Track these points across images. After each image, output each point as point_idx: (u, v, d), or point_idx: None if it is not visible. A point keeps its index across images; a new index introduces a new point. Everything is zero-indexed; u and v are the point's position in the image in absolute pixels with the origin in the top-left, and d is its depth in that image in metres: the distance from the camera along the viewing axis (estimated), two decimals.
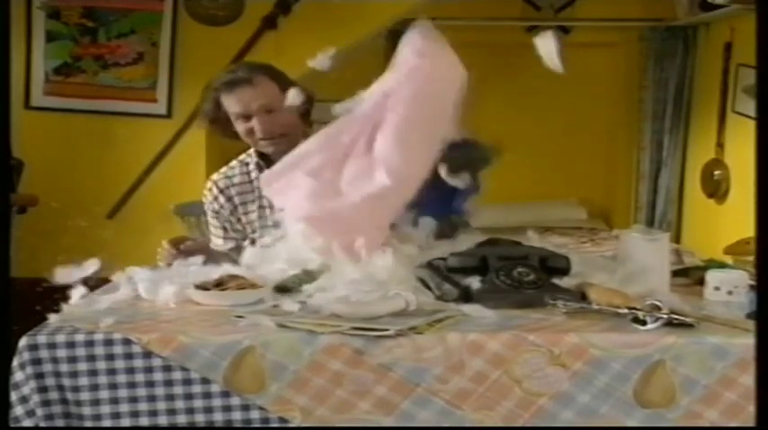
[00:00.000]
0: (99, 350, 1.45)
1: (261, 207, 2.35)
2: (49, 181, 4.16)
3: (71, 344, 1.44)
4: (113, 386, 1.44)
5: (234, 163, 2.46)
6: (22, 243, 3.58)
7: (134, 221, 4.29)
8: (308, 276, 1.73)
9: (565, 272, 1.75)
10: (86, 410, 1.45)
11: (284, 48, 4.24)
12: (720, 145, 4.30)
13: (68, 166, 4.25)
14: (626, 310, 1.53)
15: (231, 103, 2.29)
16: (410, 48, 1.89)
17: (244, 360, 1.44)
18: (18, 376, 1.45)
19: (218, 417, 1.45)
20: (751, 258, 2.08)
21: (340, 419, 1.45)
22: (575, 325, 1.52)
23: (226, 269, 1.80)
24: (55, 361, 1.44)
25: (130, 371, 1.45)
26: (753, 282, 1.68)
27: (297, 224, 1.86)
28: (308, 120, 2.37)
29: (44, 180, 4.13)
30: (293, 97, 2.11)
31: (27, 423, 1.44)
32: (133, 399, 1.45)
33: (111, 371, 1.44)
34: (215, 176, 2.45)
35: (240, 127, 2.31)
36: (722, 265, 1.99)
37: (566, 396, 1.45)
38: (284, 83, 2.31)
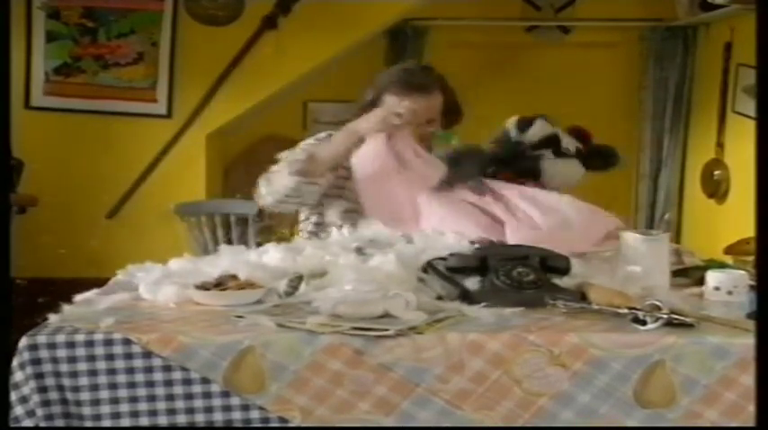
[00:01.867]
0: (99, 350, 1.44)
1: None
2: (49, 181, 4.17)
3: (71, 345, 1.44)
4: (113, 386, 1.44)
5: None
6: (22, 243, 3.59)
7: (134, 221, 4.29)
8: (309, 277, 1.73)
9: (565, 272, 1.75)
10: (86, 410, 1.44)
11: (284, 48, 4.24)
12: (720, 145, 4.30)
13: (68, 166, 4.26)
14: (626, 310, 1.53)
15: (395, 105, 2.24)
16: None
17: (244, 360, 1.44)
18: (18, 376, 1.45)
19: (218, 417, 1.45)
20: (751, 258, 2.08)
21: (340, 419, 1.45)
22: (575, 325, 1.52)
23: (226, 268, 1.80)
24: (55, 361, 1.44)
25: (130, 371, 1.44)
26: (753, 282, 1.68)
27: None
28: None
29: (44, 180, 4.14)
30: None
31: (27, 423, 1.44)
32: (133, 399, 1.45)
33: (111, 371, 1.44)
34: None
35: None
36: (722, 265, 1.99)
37: (566, 396, 1.45)
38: (449, 97, 2.33)
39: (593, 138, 2.32)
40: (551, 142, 2.23)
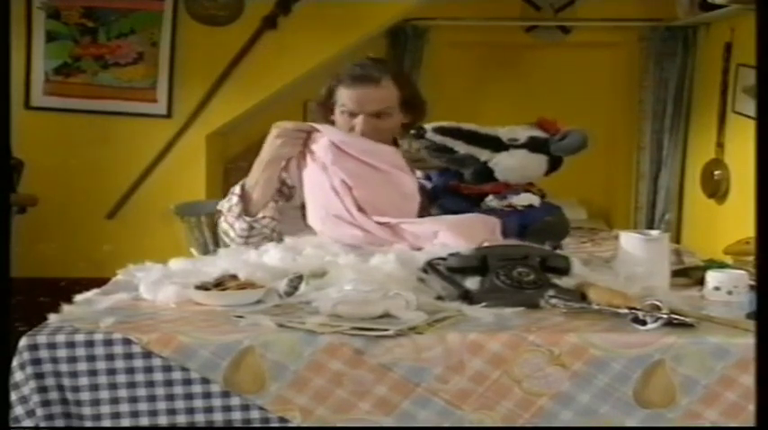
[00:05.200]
0: (99, 350, 1.45)
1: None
2: (49, 181, 4.17)
3: (71, 344, 1.44)
4: (113, 386, 1.44)
5: None
6: (22, 243, 3.59)
7: (134, 221, 4.29)
8: (309, 277, 1.73)
9: (565, 272, 1.75)
10: (86, 410, 1.45)
11: (284, 48, 4.24)
12: (720, 145, 4.30)
13: (68, 166, 4.26)
14: (626, 310, 1.53)
15: (345, 98, 2.23)
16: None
17: (244, 360, 1.44)
18: (18, 376, 1.45)
19: (218, 417, 1.45)
20: (751, 258, 2.08)
21: (340, 419, 1.45)
22: (575, 325, 1.52)
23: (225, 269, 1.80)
24: (55, 361, 1.44)
25: (130, 371, 1.45)
26: (753, 282, 1.68)
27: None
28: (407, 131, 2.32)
29: (44, 180, 4.14)
30: None
31: (27, 423, 1.44)
32: (133, 399, 1.45)
33: (111, 371, 1.44)
34: None
35: (342, 120, 2.25)
36: (722, 265, 1.99)
37: (566, 396, 1.45)
38: (406, 89, 2.29)
39: (556, 126, 2.26)
40: (486, 139, 2.21)
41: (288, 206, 2.27)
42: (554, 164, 2.24)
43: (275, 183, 2.24)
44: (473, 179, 2.19)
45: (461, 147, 2.18)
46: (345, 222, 2.07)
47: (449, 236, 1.96)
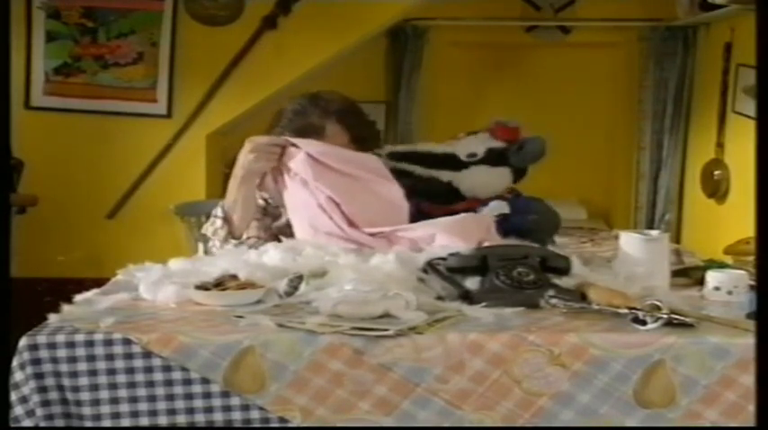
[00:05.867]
0: (99, 350, 1.45)
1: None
2: (49, 181, 4.17)
3: (71, 344, 1.45)
4: (113, 386, 1.45)
5: None
6: (22, 243, 3.59)
7: (134, 221, 4.29)
8: (309, 277, 1.73)
9: (565, 272, 1.75)
10: (86, 410, 1.45)
11: (284, 48, 4.24)
12: (720, 145, 4.30)
13: (68, 166, 4.26)
14: (626, 310, 1.53)
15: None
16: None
17: (244, 360, 1.44)
18: (18, 376, 1.45)
19: (218, 417, 1.46)
20: (751, 258, 2.08)
21: (340, 419, 1.45)
22: (575, 325, 1.52)
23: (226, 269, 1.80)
24: (55, 361, 1.44)
25: (130, 371, 1.45)
26: (753, 282, 1.68)
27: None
28: None
29: (44, 180, 4.14)
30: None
31: (27, 423, 1.44)
32: (133, 399, 1.45)
33: (111, 371, 1.45)
34: None
35: None
36: (722, 265, 1.99)
37: (566, 396, 1.45)
38: (355, 128, 2.22)
39: (514, 133, 2.23)
40: (443, 159, 2.19)
41: (276, 226, 2.24)
42: (518, 173, 2.22)
43: (254, 200, 2.19)
44: (442, 200, 2.17)
45: (421, 171, 2.17)
46: (337, 238, 2.01)
47: (445, 238, 1.95)
